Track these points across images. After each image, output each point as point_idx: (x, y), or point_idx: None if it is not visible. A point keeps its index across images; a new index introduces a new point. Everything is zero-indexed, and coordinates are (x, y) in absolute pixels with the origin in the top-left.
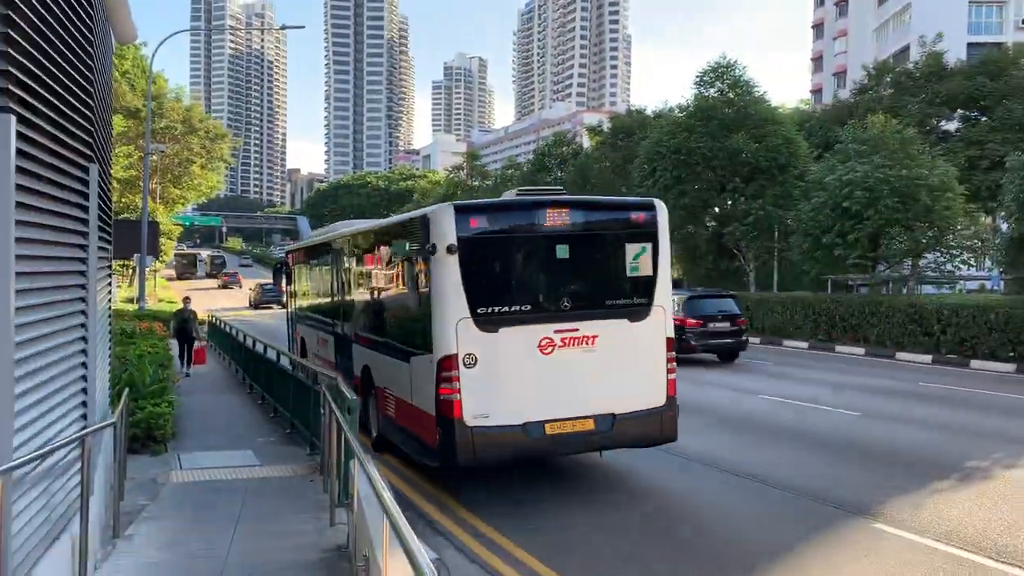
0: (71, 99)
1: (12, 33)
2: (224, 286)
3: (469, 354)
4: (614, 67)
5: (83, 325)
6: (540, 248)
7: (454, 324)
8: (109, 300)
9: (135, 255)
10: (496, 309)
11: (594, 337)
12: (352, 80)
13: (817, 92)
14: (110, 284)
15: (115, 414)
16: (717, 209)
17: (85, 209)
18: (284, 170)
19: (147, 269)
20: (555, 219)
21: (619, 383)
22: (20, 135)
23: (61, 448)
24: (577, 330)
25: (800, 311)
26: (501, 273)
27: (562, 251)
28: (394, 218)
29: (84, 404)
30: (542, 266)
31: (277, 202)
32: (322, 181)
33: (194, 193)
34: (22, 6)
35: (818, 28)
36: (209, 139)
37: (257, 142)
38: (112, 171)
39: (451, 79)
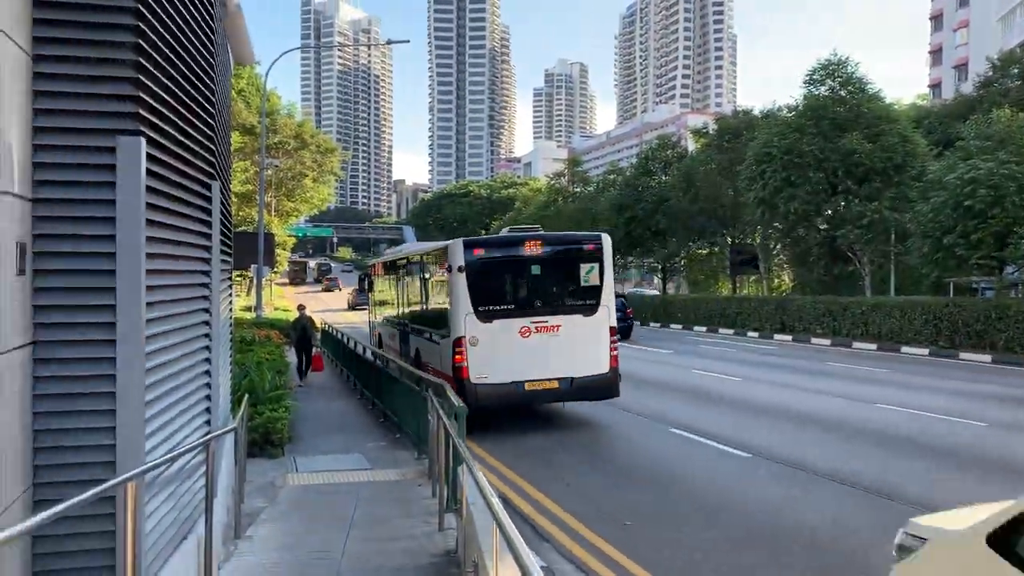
0: (196, 120)
1: (142, 60)
2: (327, 289)
3: (473, 337)
4: (719, 67)
5: (207, 335)
6: (521, 267)
7: (463, 317)
8: (230, 309)
9: (252, 265)
10: (491, 307)
11: (558, 326)
12: (455, 90)
13: (936, 87)
14: (230, 294)
15: (236, 419)
16: (829, 212)
17: (208, 224)
18: (390, 181)
19: (263, 279)
20: (532, 249)
21: (576, 357)
22: (150, 156)
23: (188, 452)
24: (546, 321)
25: (919, 316)
26: (495, 284)
27: (536, 269)
28: (430, 246)
29: (208, 410)
30: (522, 279)
31: (384, 212)
32: (426, 191)
33: (307, 205)
34: (151, 35)
35: (936, 20)
36: (320, 153)
37: (365, 155)
38: (231, 186)
39: (552, 86)
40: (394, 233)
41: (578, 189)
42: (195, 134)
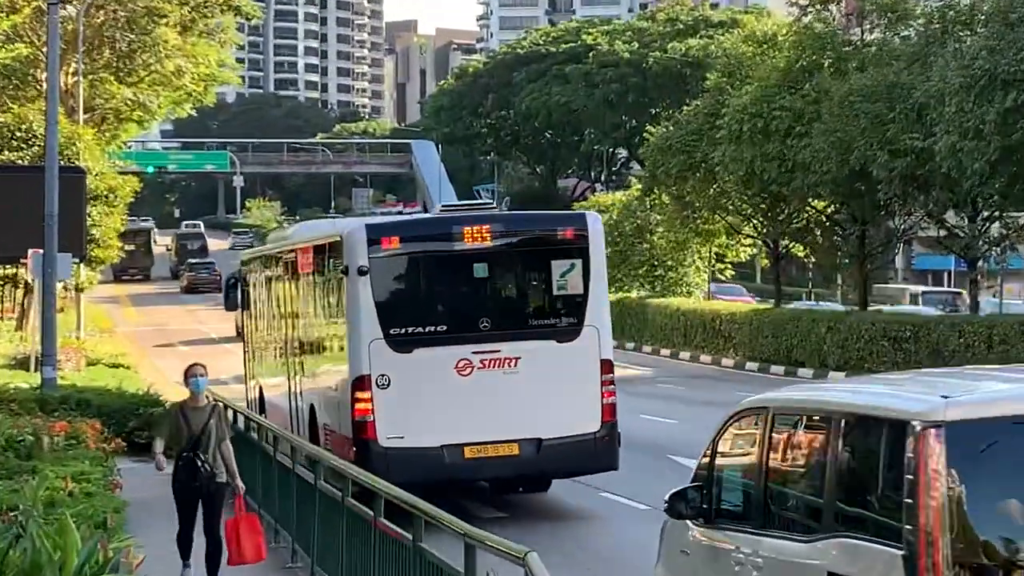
0: None
1: None
2: (191, 289)
3: (383, 375)
4: None
5: None
6: (457, 267)
7: (366, 345)
8: None
9: (31, 254)
10: (410, 330)
11: (516, 359)
12: None
13: None
14: None
15: None
16: None
17: None
18: (379, 31)
19: (62, 282)
20: (474, 237)
21: (546, 407)
22: None
23: None
24: (498, 351)
25: None
26: (415, 294)
27: (480, 270)
28: (318, 232)
29: None
30: (459, 286)
31: (364, 109)
32: (473, 49)
33: (170, 96)
34: None
35: None
36: None
37: None
38: None
39: None
40: (388, 163)
41: (876, 32)
42: None
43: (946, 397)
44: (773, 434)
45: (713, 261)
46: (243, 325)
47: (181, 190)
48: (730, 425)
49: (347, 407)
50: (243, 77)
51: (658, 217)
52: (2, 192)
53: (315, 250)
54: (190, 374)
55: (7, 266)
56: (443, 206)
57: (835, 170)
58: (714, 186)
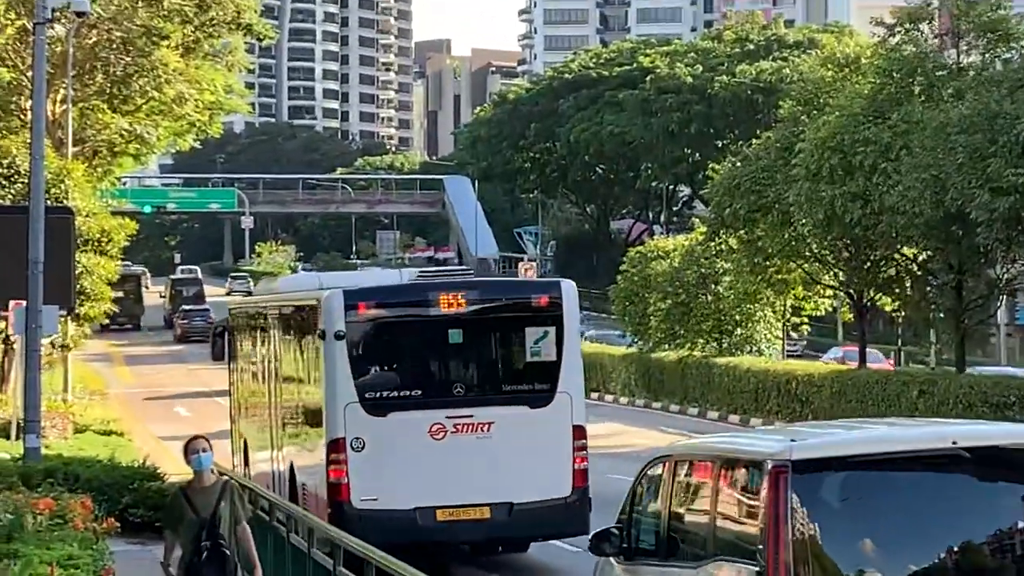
0: None
1: None
2: (184, 338)
3: (357, 438)
4: None
5: None
6: (432, 333)
7: (342, 408)
8: None
9: (12, 306)
10: (385, 394)
11: (489, 424)
12: None
13: None
14: None
15: None
16: None
17: None
18: (408, 51)
19: (47, 342)
20: (449, 303)
21: (518, 471)
22: None
23: None
24: (471, 416)
25: None
26: (391, 359)
27: (455, 336)
28: (297, 292)
29: None
30: (434, 351)
31: (390, 140)
32: (514, 72)
33: (169, 128)
34: None
35: None
36: None
37: None
38: None
39: None
40: (417, 202)
41: (974, 54)
42: None
43: (793, 441)
44: (675, 478)
45: (788, 315)
46: (229, 375)
47: (183, 232)
48: (645, 472)
49: (323, 468)
50: (253, 104)
51: (725, 265)
52: None
53: (295, 309)
54: (191, 450)
55: None
56: (421, 272)
57: (928, 212)
58: (789, 230)
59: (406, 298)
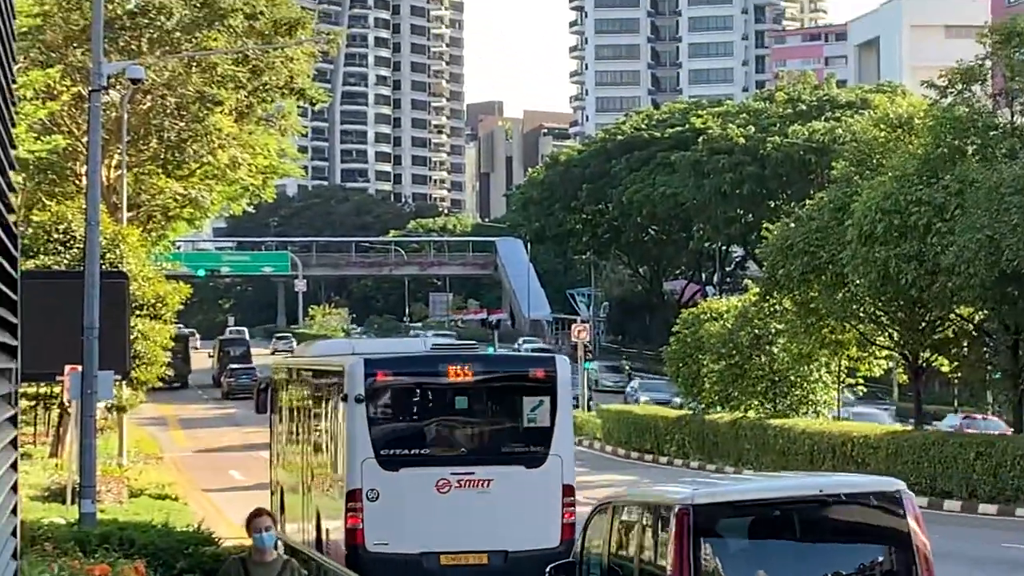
0: None
1: None
2: (230, 394)
3: (372, 489)
4: None
5: None
6: (441, 399)
7: (360, 463)
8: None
9: (68, 371)
10: (397, 452)
11: (489, 480)
12: None
13: None
14: (12, 453)
15: None
16: None
17: None
18: (460, 113)
19: (102, 406)
20: (457, 374)
21: (513, 523)
22: None
23: None
24: (473, 474)
25: None
26: (404, 420)
27: (461, 402)
28: (324, 357)
29: None
30: (442, 415)
31: (441, 202)
32: (566, 133)
33: (223, 193)
34: None
35: None
36: (262, 38)
37: (385, 52)
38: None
39: None
40: (469, 264)
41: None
42: None
43: (696, 488)
44: (613, 521)
45: (843, 376)
46: (269, 427)
47: (236, 295)
48: (593, 516)
49: (342, 515)
50: (306, 167)
51: (779, 326)
52: (36, 301)
53: (324, 373)
54: (254, 527)
55: (39, 384)
56: (434, 345)
57: (983, 272)
58: (843, 290)
59: (419, 368)
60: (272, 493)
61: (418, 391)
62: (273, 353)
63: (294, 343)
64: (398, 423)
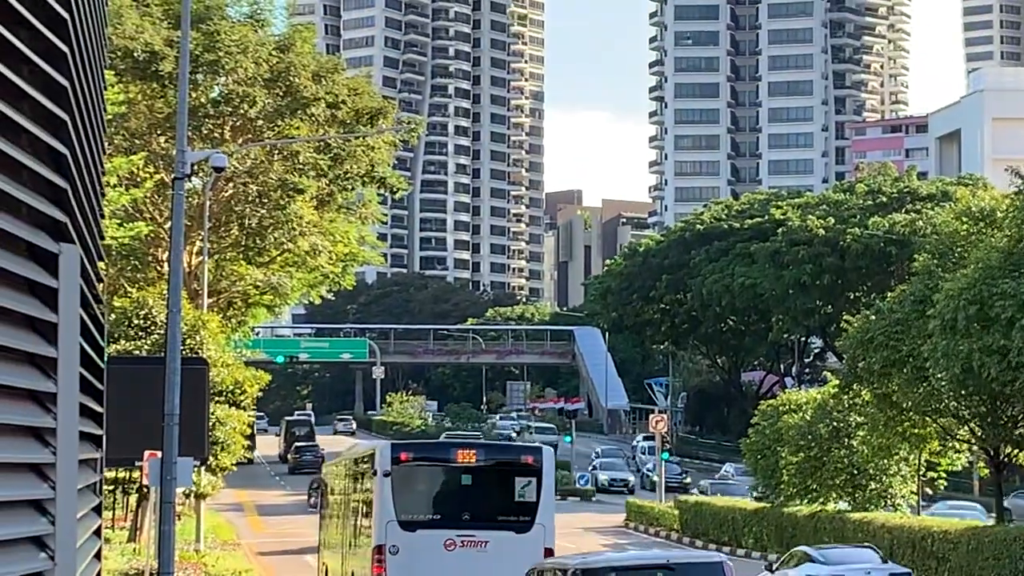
0: None
1: None
2: (296, 468)
3: (393, 545)
4: None
5: None
6: (450, 477)
7: (385, 524)
8: None
9: (148, 457)
10: (414, 516)
11: (486, 542)
12: None
13: None
14: (97, 537)
15: None
16: None
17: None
18: (539, 202)
19: (183, 492)
20: (464, 457)
21: None
22: None
23: None
24: (474, 536)
25: None
26: (420, 491)
27: (466, 480)
28: (361, 451)
29: None
30: (451, 489)
31: (519, 290)
32: (644, 224)
33: (303, 280)
34: None
35: None
36: (344, 126)
37: (465, 140)
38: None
39: None
40: (547, 352)
41: None
42: None
43: (585, 557)
44: None
45: (923, 470)
46: (319, 520)
47: (314, 381)
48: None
49: (369, 565)
50: (385, 255)
51: (858, 419)
52: (117, 386)
53: (360, 459)
54: None
55: (118, 469)
56: (447, 434)
57: None
58: (924, 384)
59: (433, 452)
60: (318, 571)
61: (432, 469)
62: (335, 433)
63: (353, 424)
64: (416, 493)
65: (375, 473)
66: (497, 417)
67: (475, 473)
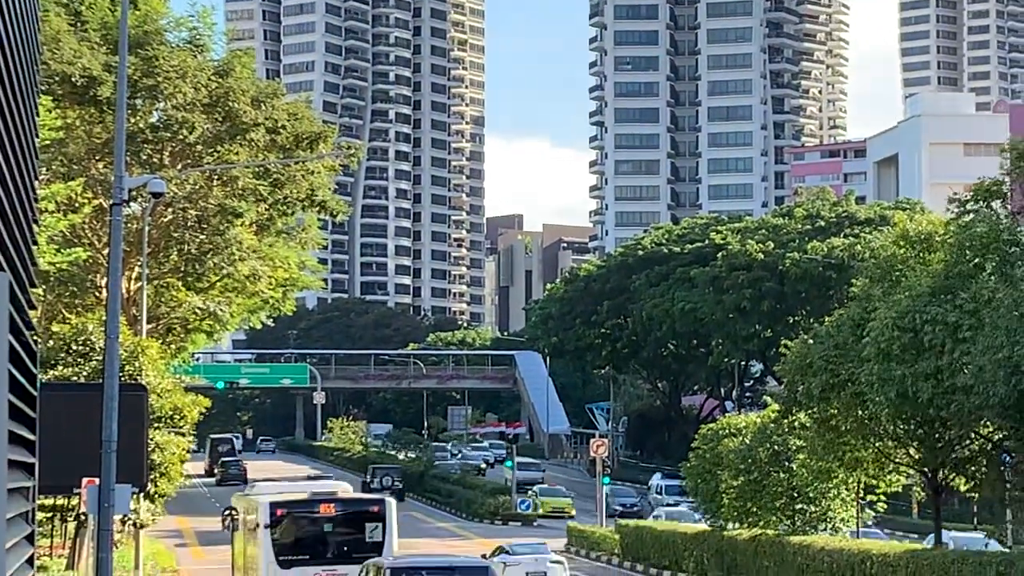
0: None
1: None
2: (222, 481)
3: None
4: None
5: None
6: (317, 524)
7: (267, 563)
8: None
9: (86, 484)
10: (291, 557)
11: (346, 574)
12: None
13: None
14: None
15: None
16: None
17: None
18: (480, 226)
19: (120, 519)
20: (325, 509)
21: None
22: None
23: None
24: (336, 570)
25: None
26: (294, 537)
27: (328, 526)
28: (248, 504)
29: None
30: (317, 533)
31: (460, 315)
32: (585, 248)
33: (243, 305)
34: None
35: None
36: (284, 150)
37: (406, 165)
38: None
39: None
40: (488, 377)
41: None
42: None
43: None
44: None
45: (862, 492)
46: (231, 542)
47: (254, 407)
48: None
49: None
50: (326, 280)
51: (798, 442)
52: (54, 413)
53: (250, 508)
54: None
55: (65, 495)
56: (312, 492)
57: (1002, 391)
58: (862, 408)
59: (303, 506)
60: None
61: (303, 519)
62: (258, 452)
63: (272, 444)
64: (290, 539)
65: (258, 525)
66: (468, 447)
67: (335, 521)
